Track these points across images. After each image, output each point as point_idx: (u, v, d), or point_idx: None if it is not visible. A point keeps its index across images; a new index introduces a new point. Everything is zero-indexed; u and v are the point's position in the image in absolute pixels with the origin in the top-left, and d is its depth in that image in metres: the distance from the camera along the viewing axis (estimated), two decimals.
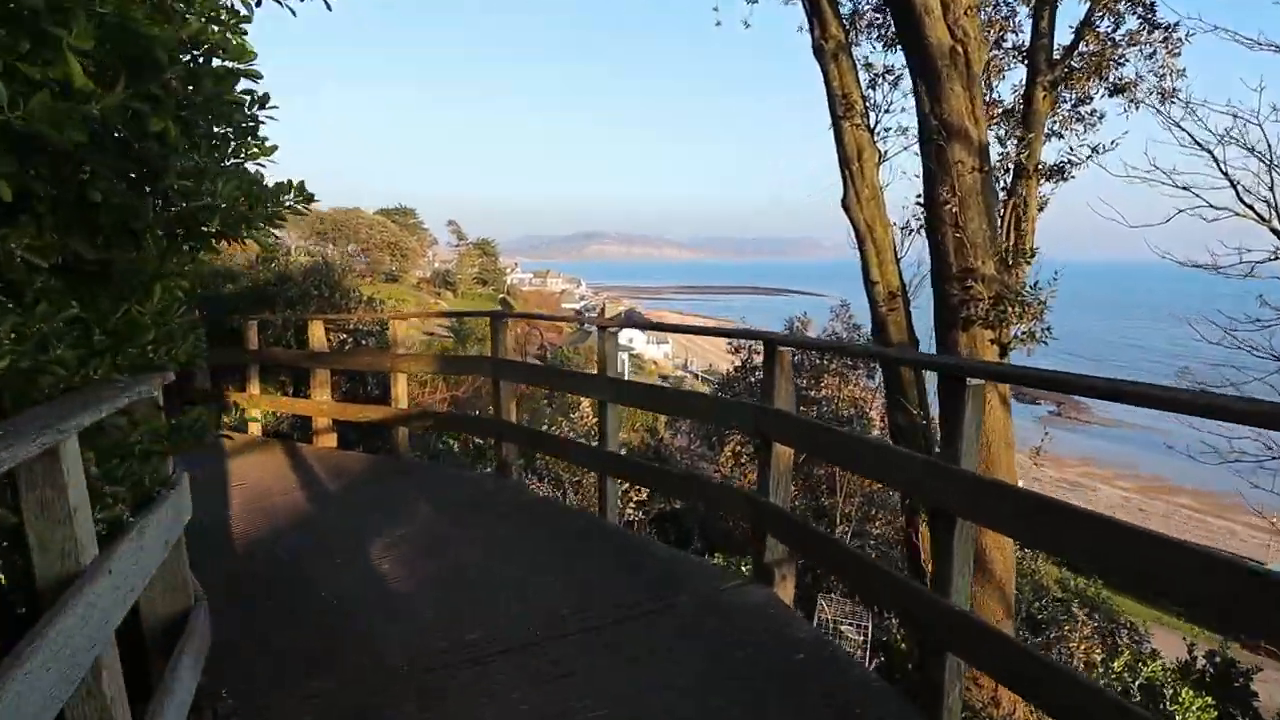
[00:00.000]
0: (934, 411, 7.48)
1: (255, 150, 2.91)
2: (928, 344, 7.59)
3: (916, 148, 7.98)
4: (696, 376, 59.85)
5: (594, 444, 6.73)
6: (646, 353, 63.48)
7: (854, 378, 10.05)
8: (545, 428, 8.93)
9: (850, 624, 6.47)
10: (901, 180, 7.90)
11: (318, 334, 7.53)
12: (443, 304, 70.21)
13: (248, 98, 2.32)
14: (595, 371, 5.05)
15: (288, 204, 2.65)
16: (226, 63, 2.24)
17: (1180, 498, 32.10)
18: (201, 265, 2.72)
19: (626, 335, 69.65)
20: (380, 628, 3.60)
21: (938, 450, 7.38)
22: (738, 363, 12.05)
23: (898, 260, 7.53)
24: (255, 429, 8.48)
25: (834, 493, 9.11)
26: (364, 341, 9.00)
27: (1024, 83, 7.12)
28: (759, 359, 11.22)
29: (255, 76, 2.28)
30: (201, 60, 2.20)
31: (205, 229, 2.52)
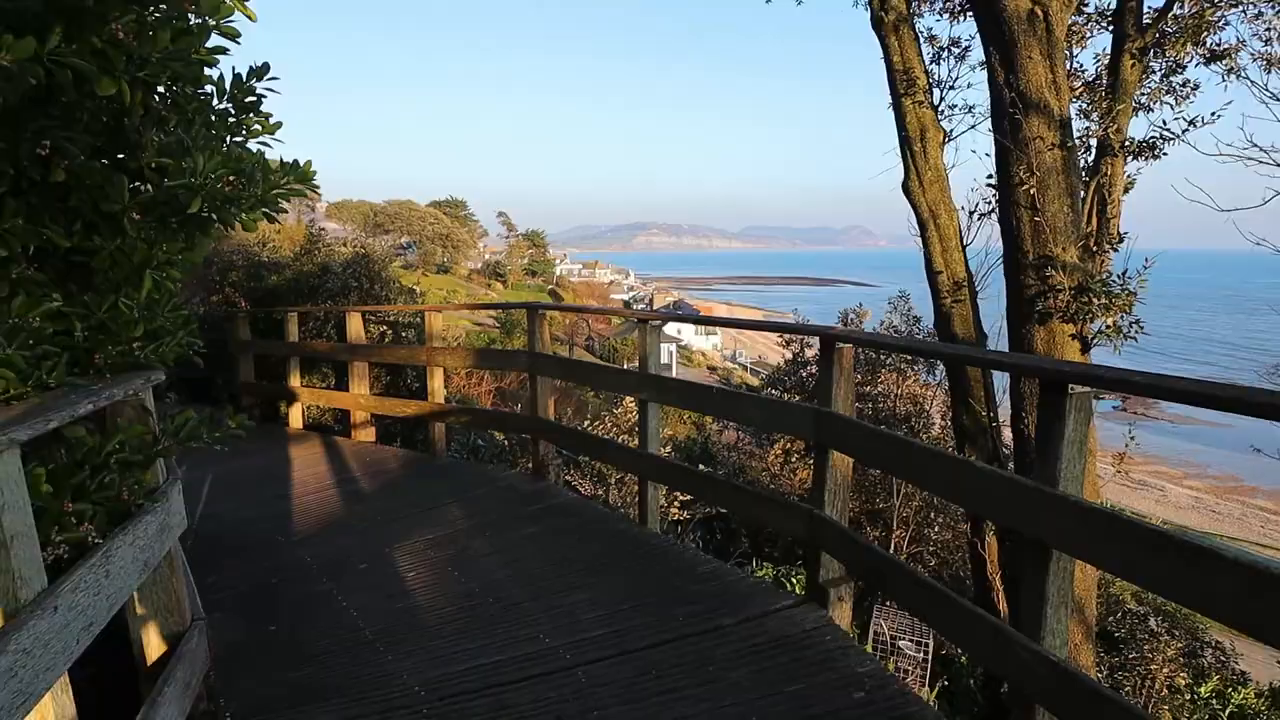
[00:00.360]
0: (1003, 413, 6.95)
1: (257, 127, 2.65)
2: (996, 338, 7.06)
3: (983, 127, 7.41)
4: (745, 368, 59.13)
5: (635, 444, 6.40)
6: (695, 344, 63.01)
7: (912, 373, 9.50)
8: (586, 424, 8.65)
9: (909, 639, 6.02)
10: (968, 161, 7.33)
11: (355, 326, 7.37)
12: (493, 295, 71.07)
13: (219, 58, 2.02)
14: (637, 367, 4.72)
15: (284, 185, 2.37)
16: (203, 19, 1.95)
17: (1256, 499, 30.32)
18: (196, 255, 2.45)
19: (674, 326, 69.26)
20: (398, 645, 3.35)
21: (1006, 451, 6.87)
22: (789, 355, 11.58)
23: (963, 248, 6.99)
24: (296, 421, 8.40)
25: (891, 495, 8.63)
26: (404, 334, 8.84)
27: (1108, 51, 6.50)
28: (811, 352, 10.75)
29: (231, 35, 1.99)
30: (175, 19, 1.91)
31: (199, 213, 2.25)
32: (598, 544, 4.44)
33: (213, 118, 2.52)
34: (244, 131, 2.65)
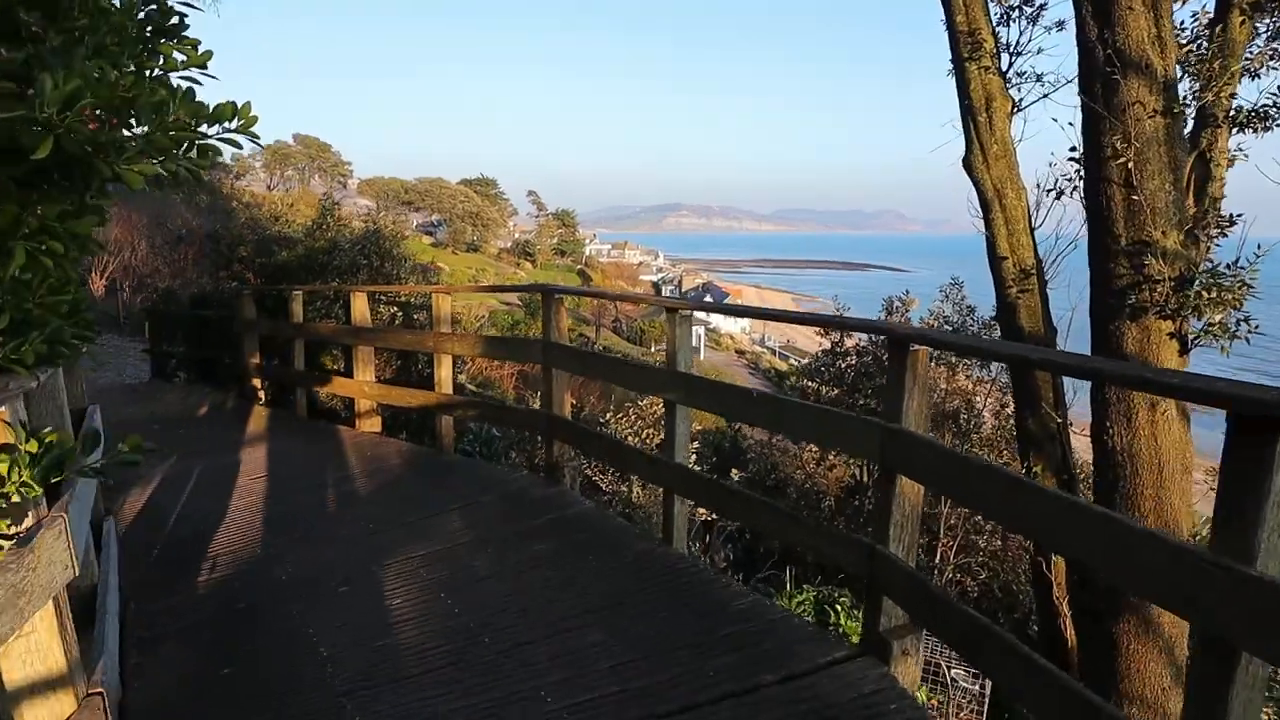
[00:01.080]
0: (1072, 414, 6.22)
1: (178, 57, 2.06)
2: (1066, 334, 6.33)
3: (1058, 96, 6.61)
4: (774, 352, 58.14)
5: (660, 439, 5.80)
6: (723, 327, 62.06)
7: (962, 366, 8.76)
8: (609, 415, 8.05)
9: (964, 669, 5.37)
10: (1038, 135, 6.52)
11: (360, 307, 6.83)
12: (521, 274, 70.81)
13: None
14: (663, 359, 4.09)
15: (186, 128, 1.77)
16: None
17: None
18: (84, 224, 1.87)
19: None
20: (371, 700, 2.78)
21: (1066, 454, 6.14)
22: (825, 344, 10.85)
23: (1032, 231, 6.25)
24: (302, 408, 7.92)
25: (936, 499, 7.93)
26: (415, 316, 8.30)
27: (1208, 9, 5.66)
28: (852, 341, 10.00)
29: None
30: None
31: (50, 163, 1.66)
32: (615, 567, 3.85)
33: (112, 43, 1.94)
34: (160, 61, 2.06)
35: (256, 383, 8.57)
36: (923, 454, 2.79)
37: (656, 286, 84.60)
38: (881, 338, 7.31)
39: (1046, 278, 6.25)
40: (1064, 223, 6.33)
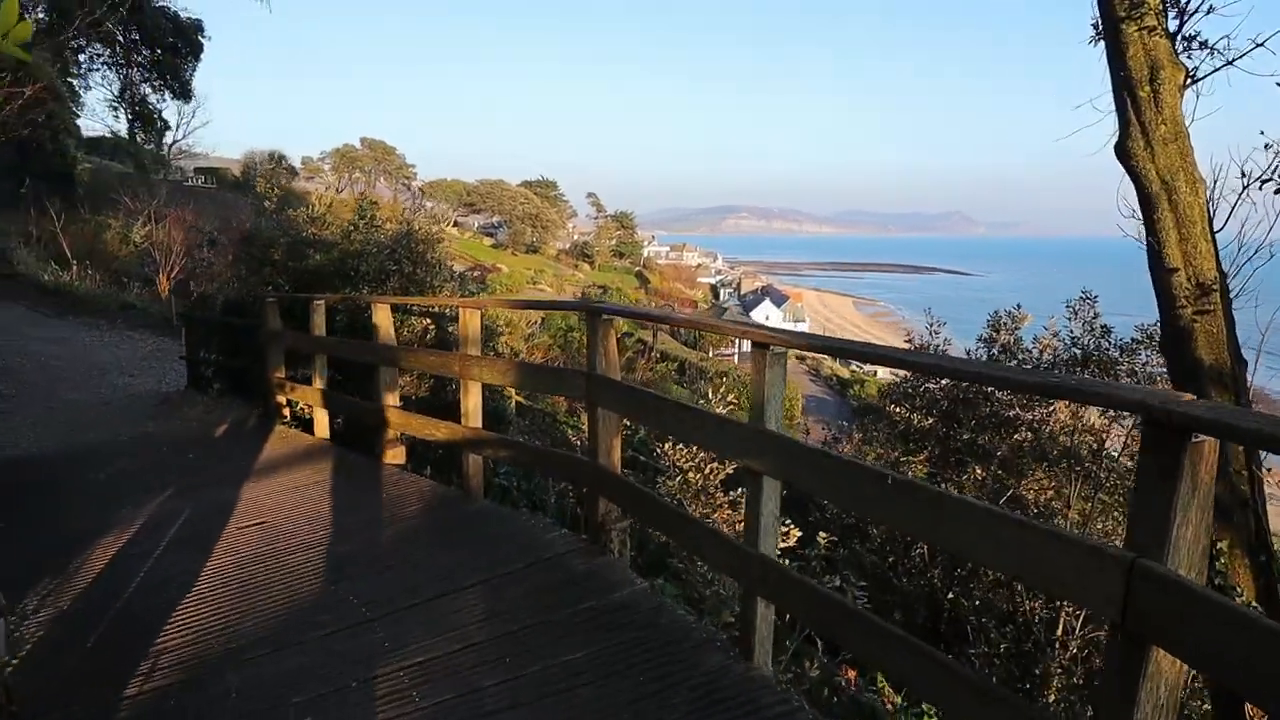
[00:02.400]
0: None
1: None
2: (1254, 368, 4.98)
3: (1244, 63, 5.28)
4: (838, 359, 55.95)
5: (723, 488, 4.76)
6: (781, 326, 60.11)
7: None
8: (665, 446, 6.95)
9: None
10: (1215, 113, 5.18)
11: (383, 321, 5.91)
12: (580, 275, 70.47)
13: None
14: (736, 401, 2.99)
15: None
16: None
17: None
18: None
19: (761, 312, 66.44)
20: None
21: (1262, 528, 4.78)
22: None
23: (1213, 235, 4.91)
24: (322, 430, 7.07)
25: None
26: (451, 329, 7.37)
27: None
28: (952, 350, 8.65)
29: None
30: None
31: None
32: (678, 700, 2.76)
33: None
34: None
35: (281, 399, 7.80)
36: (1204, 618, 1.62)
37: (715, 289, 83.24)
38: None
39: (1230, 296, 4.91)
40: (1249, 225, 5.00)
